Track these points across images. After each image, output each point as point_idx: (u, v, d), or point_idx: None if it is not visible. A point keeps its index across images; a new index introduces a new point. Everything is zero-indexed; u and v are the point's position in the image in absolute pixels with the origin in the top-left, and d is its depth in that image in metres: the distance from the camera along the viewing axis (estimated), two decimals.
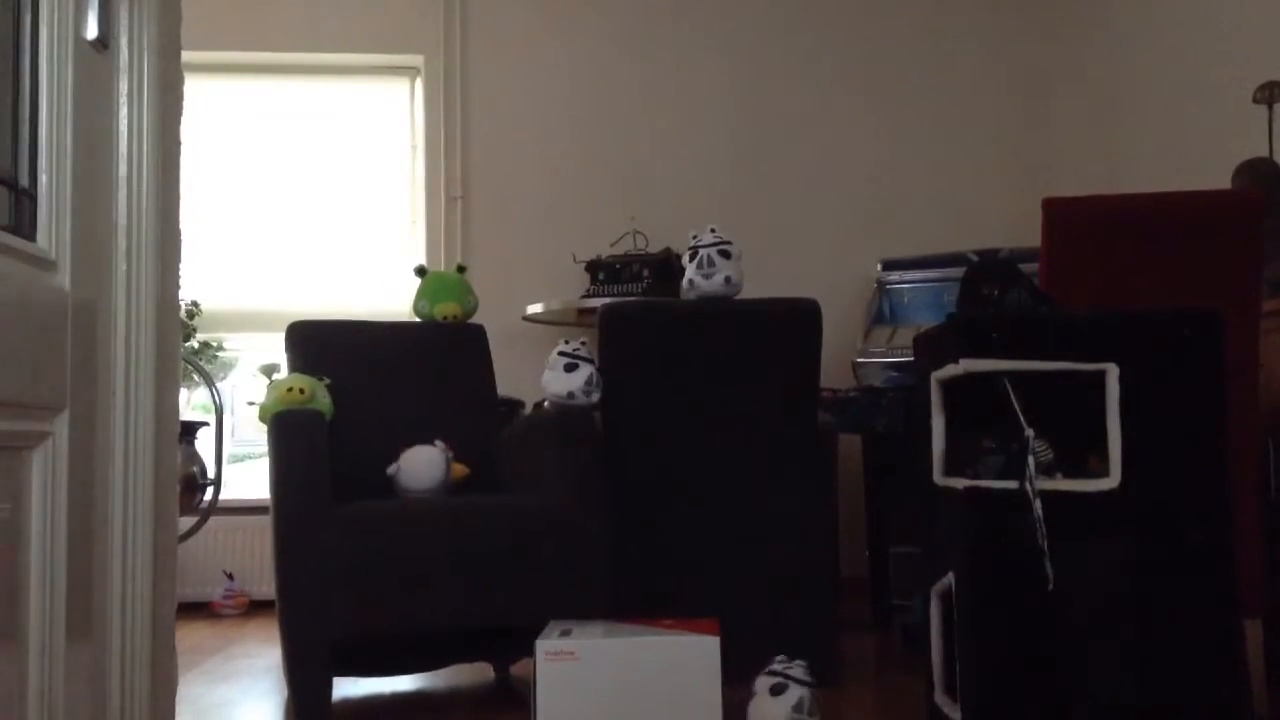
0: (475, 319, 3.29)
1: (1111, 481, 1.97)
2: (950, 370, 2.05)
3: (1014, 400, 1.98)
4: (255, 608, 4.39)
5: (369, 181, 4.81)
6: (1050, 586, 1.95)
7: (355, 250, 4.77)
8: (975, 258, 3.88)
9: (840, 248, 4.81)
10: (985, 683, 1.96)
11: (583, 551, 2.66)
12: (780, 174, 4.85)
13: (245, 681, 3.04)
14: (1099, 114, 4.60)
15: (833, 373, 4.22)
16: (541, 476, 2.81)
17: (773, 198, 4.84)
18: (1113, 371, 1.98)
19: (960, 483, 2.02)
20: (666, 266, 4.23)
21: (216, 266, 4.68)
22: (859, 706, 2.65)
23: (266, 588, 4.36)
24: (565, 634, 2.30)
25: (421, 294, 3.23)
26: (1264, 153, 3.30)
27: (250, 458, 4.87)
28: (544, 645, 2.25)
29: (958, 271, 3.60)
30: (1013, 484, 1.96)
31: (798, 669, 2.28)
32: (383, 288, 4.73)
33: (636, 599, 2.80)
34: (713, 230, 3.00)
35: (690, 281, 2.98)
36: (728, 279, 2.96)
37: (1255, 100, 3.29)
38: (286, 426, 2.57)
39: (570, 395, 2.87)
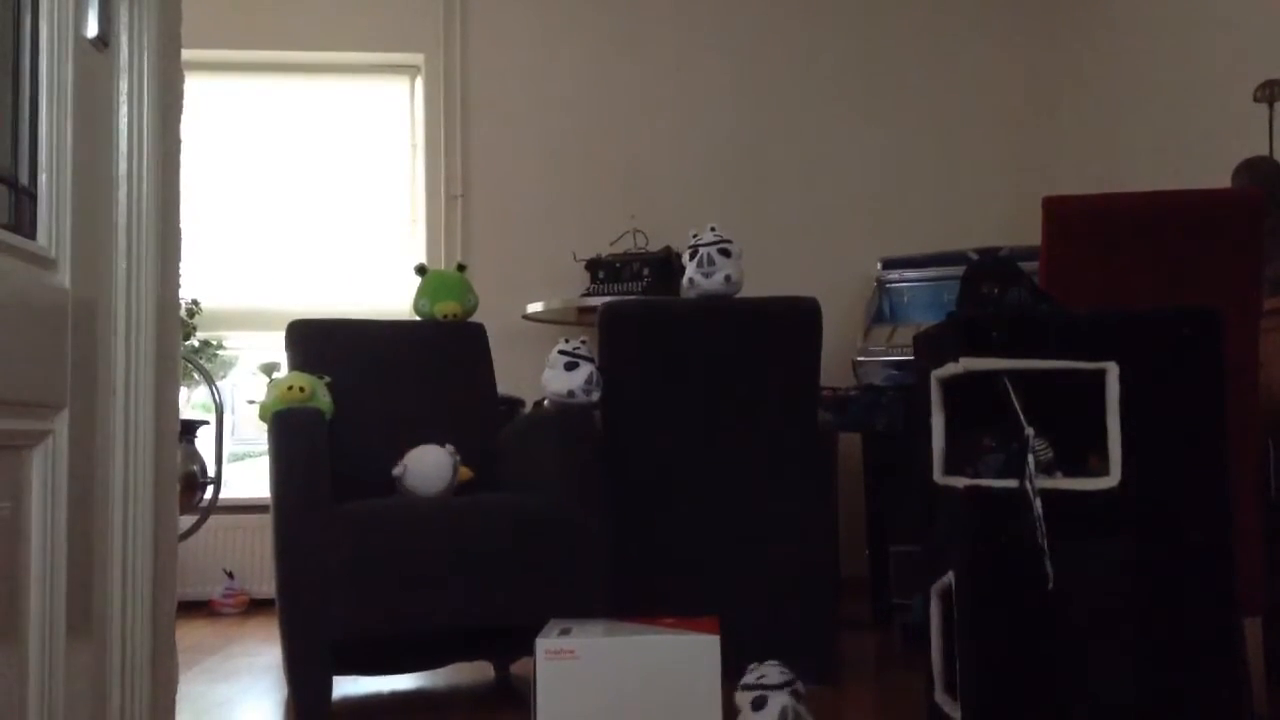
0: (475, 318, 3.29)
1: (1111, 481, 1.97)
2: (950, 369, 2.05)
3: (1014, 399, 1.98)
4: (255, 606, 4.39)
5: (369, 180, 4.81)
6: (1050, 585, 1.95)
7: (355, 249, 4.77)
8: (975, 256, 3.88)
9: (840, 246, 4.81)
10: (985, 682, 1.96)
11: (583, 550, 2.66)
12: (780, 173, 4.85)
13: (245, 680, 3.04)
14: (1099, 113, 4.60)
15: (833, 371, 4.22)
16: (541, 475, 2.81)
17: (773, 197, 4.84)
18: (1113, 370, 1.98)
19: (960, 481, 2.02)
20: (666, 265, 4.23)
21: (216, 265, 4.68)
22: (859, 706, 2.65)
23: (266, 586, 4.36)
24: (565, 633, 2.30)
25: (422, 293, 3.23)
26: (1264, 151, 3.30)
27: (250, 456, 4.87)
28: (544, 644, 2.25)
29: (958, 270, 3.59)
30: (1013, 483, 1.96)
31: (772, 672, 2.23)
32: (383, 286, 4.73)
33: (637, 598, 2.80)
34: (713, 229, 3.00)
35: (690, 280, 2.98)
36: (728, 278, 2.96)
37: (1255, 99, 3.28)
38: (286, 425, 2.57)
39: (570, 394, 2.87)
